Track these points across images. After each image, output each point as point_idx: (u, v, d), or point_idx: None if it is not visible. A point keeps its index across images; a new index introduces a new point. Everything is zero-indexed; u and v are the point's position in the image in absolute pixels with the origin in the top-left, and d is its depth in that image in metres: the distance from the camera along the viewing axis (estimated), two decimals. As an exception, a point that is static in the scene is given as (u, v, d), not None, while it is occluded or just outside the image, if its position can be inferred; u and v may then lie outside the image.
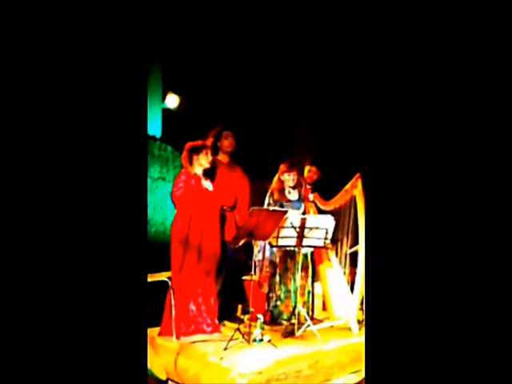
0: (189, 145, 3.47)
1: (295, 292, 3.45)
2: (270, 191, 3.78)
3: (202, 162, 3.42)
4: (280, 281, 3.66)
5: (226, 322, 3.57)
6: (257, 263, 3.70)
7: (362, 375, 3.06)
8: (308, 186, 3.99)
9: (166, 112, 5.27)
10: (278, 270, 3.68)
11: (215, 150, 3.91)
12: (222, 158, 3.94)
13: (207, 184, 3.46)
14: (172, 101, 5.29)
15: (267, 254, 3.71)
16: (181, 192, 3.31)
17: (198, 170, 3.44)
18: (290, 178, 3.74)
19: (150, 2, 2.02)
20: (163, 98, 5.23)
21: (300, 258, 3.49)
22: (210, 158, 3.45)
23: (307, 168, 4.21)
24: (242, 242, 3.46)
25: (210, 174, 3.69)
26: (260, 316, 3.15)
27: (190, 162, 3.43)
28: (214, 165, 3.84)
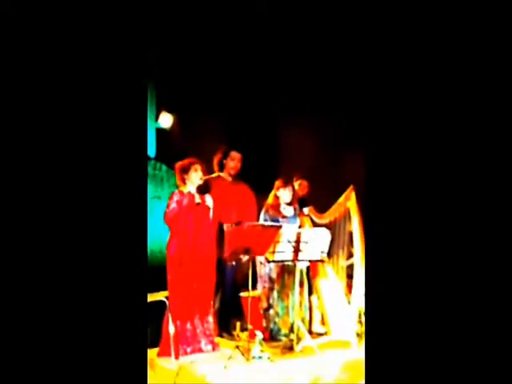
0: (177, 165, 3.48)
1: (293, 307, 3.44)
2: (264, 207, 3.79)
3: (193, 179, 3.42)
4: (278, 296, 3.65)
5: (225, 335, 3.59)
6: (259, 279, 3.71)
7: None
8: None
9: (160, 131, 5.29)
10: (275, 286, 3.68)
11: (221, 167, 3.95)
12: (225, 175, 3.97)
13: (202, 200, 3.46)
14: (166, 120, 5.31)
15: (266, 269, 3.71)
16: (174, 213, 3.33)
17: (191, 187, 3.45)
18: (286, 194, 3.75)
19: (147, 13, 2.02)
20: (157, 118, 5.25)
21: (299, 273, 3.49)
22: (201, 174, 3.44)
23: (297, 182, 4.23)
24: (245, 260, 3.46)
25: (206, 189, 3.70)
26: (259, 333, 3.14)
27: (183, 182, 3.44)
28: (217, 181, 3.88)
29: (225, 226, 3.82)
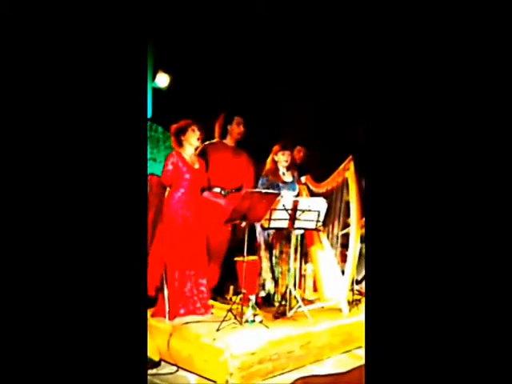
0: (173, 127, 3.41)
1: (287, 274, 3.48)
2: (263, 173, 3.78)
3: (191, 141, 3.37)
4: (275, 262, 3.69)
5: (219, 299, 3.65)
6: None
7: (352, 355, 3.12)
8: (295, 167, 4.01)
9: (156, 91, 5.19)
10: (274, 252, 3.70)
11: (223, 132, 3.89)
12: (228, 141, 3.92)
13: (200, 163, 3.43)
14: (162, 80, 5.20)
15: (264, 235, 3.73)
16: (170, 175, 3.31)
17: (189, 149, 3.40)
18: (283, 158, 3.75)
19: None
20: (153, 78, 5.14)
21: (294, 240, 3.52)
22: (198, 134, 3.38)
23: (295, 148, 4.23)
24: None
25: (204, 152, 3.68)
26: (252, 297, 3.17)
27: (180, 144, 3.39)
28: (217, 147, 3.84)
29: (223, 191, 3.81)
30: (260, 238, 3.76)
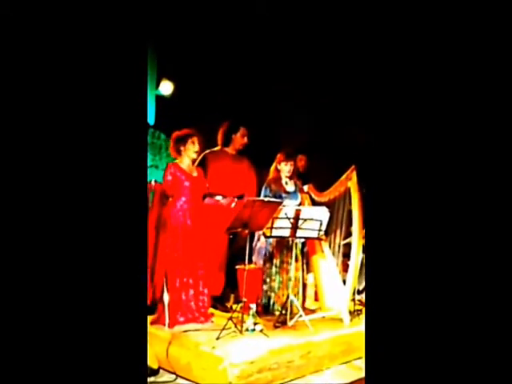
0: (174, 135, 3.42)
1: (289, 282, 3.45)
2: (266, 182, 3.77)
3: (189, 153, 3.38)
4: (276, 271, 3.66)
5: (219, 307, 3.62)
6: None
7: (351, 366, 3.09)
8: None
9: (160, 99, 5.21)
10: (274, 261, 3.68)
11: (226, 141, 3.89)
12: (230, 150, 3.92)
13: (198, 173, 3.44)
14: (166, 88, 5.22)
15: (265, 244, 3.71)
16: (170, 186, 3.32)
17: (187, 160, 3.40)
18: (286, 168, 3.73)
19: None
20: (157, 85, 5.16)
21: (296, 249, 3.50)
22: (197, 147, 3.39)
23: (298, 157, 4.24)
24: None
25: (202, 162, 3.68)
26: (252, 305, 3.15)
27: (179, 153, 3.39)
28: (219, 155, 3.84)
29: (224, 200, 3.82)
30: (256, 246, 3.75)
